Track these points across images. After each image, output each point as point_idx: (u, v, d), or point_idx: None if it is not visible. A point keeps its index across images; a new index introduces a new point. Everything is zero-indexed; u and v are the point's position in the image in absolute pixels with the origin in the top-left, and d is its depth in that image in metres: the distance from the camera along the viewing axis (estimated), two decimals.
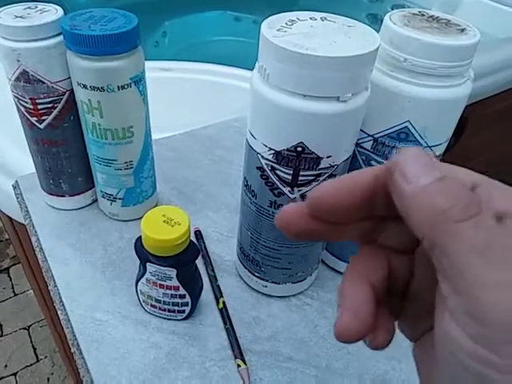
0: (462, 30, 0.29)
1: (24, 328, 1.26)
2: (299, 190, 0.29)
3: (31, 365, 1.18)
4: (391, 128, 0.29)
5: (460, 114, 0.30)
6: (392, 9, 1.50)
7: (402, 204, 0.14)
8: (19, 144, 0.58)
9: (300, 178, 0.28)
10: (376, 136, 0.30)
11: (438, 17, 0.30)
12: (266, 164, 0.29)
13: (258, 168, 0.30)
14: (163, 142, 0.52)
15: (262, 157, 0.29)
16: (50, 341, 1.21)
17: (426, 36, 0.27)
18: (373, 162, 0.31)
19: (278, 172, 0.29)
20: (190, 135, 0.55)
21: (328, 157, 0.27)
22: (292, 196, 0.29)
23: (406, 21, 0.29)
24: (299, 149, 0.27)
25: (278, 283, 0.35)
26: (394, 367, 0.33)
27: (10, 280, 1.37)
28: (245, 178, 0.32)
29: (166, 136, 0.54)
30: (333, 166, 0.28)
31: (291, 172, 0.28)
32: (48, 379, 1.15)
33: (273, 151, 0.28)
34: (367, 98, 0.27)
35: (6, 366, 1.17)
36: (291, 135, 0.27)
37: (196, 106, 0.70)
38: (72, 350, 0.33)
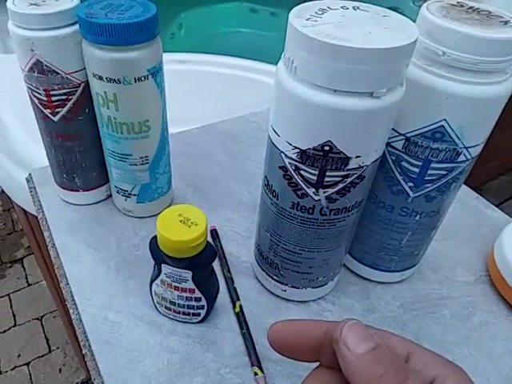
0: (506, 23, 0.27)
1: (37, 318, 1.26)
2: (324, 192, 0.27)
3: (43, 355, 1.18)
4: (426, 127, 0.27)
5: (500, 113, 0.28)
6: (413, 2, 1.46)
7: (345, 368, 0.17)
8: (34, 136, 0.58)
9: (326, 179, 0.27)
10: (408, 135, 0.28)
11: (478, 8, 0.28)
12: (290, 163, 0.27)
13: (280, 167, 0.28)
14: (179, 137, 0.51)
15: (286, 156, 0.27)
16: (62, 332, 1.21)
17: (468, 28, 0.25)
18: (404, 163, 0.29)
19: (302, 172, 0.27)
20: (206, 130, 0.54)
21: (357, 157, 0.26)
22: (316, 198, 0.28)
23: (444, 12, 0.27)
24: (326, 148, 0.25)
25: (298, 287, 0.34)
26: None
27: (24, 270, 1.38)
28: (266, 177, 0.31)
29: (181, 130, 0.53)
30: (361, 167, 0.26)
31: (317, 172, 0.26)
32: (60, 370, 1.16)
33: (297, 150, 0.26)
34: (402, 94, 0.25)
35: (19, 355, 1.18)
36: (319, 133, 0.25)
37: (212, 100, 0.69)
38: (83, 352, 0.32)
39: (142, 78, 0.32)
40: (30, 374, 1.14)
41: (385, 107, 0.24)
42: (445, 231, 0.40)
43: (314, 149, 0.25)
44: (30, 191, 0.44)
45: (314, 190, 0.27)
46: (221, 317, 0.34)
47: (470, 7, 0.28)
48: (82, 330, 0.33)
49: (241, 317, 0.33)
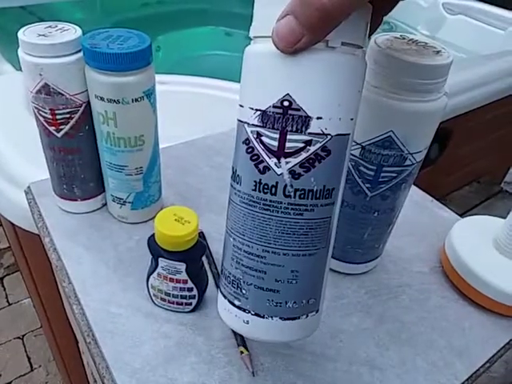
0: (438, 52, 0.33)
1: (18, 337, 1.26)
2: (287, 162, 0.25)
3: (25, 374, 1.18)
4: (377, 137, 0.33)
5: (437, 124, 0.34)
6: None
7: None
8: (26, 155, 0.61)
9: (287, 145, 0.25)
10: (364, 144, 0.34)
11: (416, 40, 0.35)
12: (252, 131, 0.26)
13: (243, 142, 0.27)
14: (166, 151, 0.56)
15: (248, 124, 0.26)
16: (44, 350, 1.21)
17: (406, 57, 0.31)
18: (361, 168, 0.35)
19: (263, 139, 0.26)
20: (190, 145, 0.59)
21: (318, 118, 0.24)
22: (279, 172, 0.26)
23: (389, 43, 0.33)
24: (286, 103, 0.24)
25: (263, 316, 0.28)
26: (382, 354, 0.36)
27: (4, 290, 1.38)
28: (233, 167, 0.29)
29: (163, 146, 0.57)
30: (325, 135, 0.25)
31: (277, 136, 0.25)
32: None
33: (259, 112, 0.25)
34: (363, 55, 0.25)
35: (0, 375, 1.17)
36: (277, 87, 0.24)
37: (191, 118, 0.74)
38: (87, 341, 0.36)
39: (139, 99, 0.37)
40: None
41: (341, 59, 0.24)
42: (403, 229, 0.46)
43: (273, 106, 0.24)
44: (29, 202, 0.48)
45: (275, 160, 0.26)
46: (210, 307, 0.38)
47: (410, 39, 0.34)
48: (86, 322, 0.37)
49: None
